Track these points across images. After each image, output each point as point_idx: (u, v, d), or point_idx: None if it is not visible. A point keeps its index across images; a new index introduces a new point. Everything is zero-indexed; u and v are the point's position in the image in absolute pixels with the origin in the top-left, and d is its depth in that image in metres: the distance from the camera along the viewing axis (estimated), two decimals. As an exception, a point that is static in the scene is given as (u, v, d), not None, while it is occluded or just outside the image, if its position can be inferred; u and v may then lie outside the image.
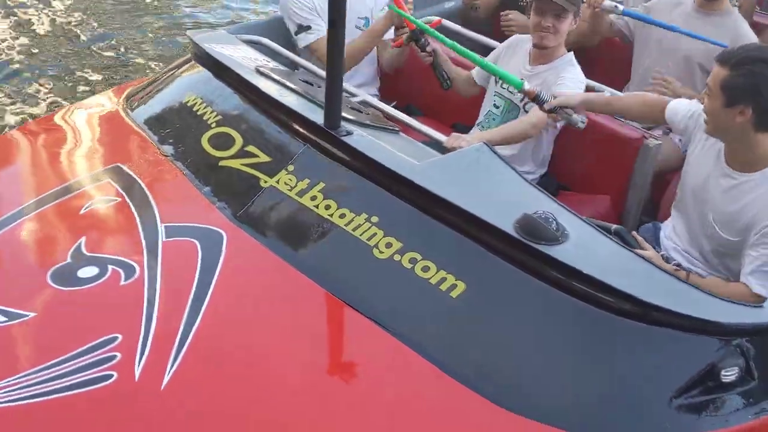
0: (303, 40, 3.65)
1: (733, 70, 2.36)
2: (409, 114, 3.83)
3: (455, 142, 2.83)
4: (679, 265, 2.68)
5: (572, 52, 3.33)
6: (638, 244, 2.60)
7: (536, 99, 2.89)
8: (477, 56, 3.10)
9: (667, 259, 2.71)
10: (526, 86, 2.89)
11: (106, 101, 3.45)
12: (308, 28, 3.66)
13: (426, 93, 3.80)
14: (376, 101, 3.29)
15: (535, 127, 3.14)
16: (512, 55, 3.43)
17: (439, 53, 3.39)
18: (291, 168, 2.59)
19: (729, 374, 2.09)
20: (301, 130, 2.66)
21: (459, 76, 3.49)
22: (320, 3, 3.57)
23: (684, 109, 2.73)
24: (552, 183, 3.33)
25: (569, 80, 3.20)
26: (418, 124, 3.06)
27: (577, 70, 3.28)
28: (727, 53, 2.44)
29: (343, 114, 2.60)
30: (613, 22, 3.80)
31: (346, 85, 3.41)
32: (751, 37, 3.48)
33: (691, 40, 3.50)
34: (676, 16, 3.63)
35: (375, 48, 3.78)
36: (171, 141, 2.91)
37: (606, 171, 3.24)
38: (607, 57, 4.06)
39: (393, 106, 3.85)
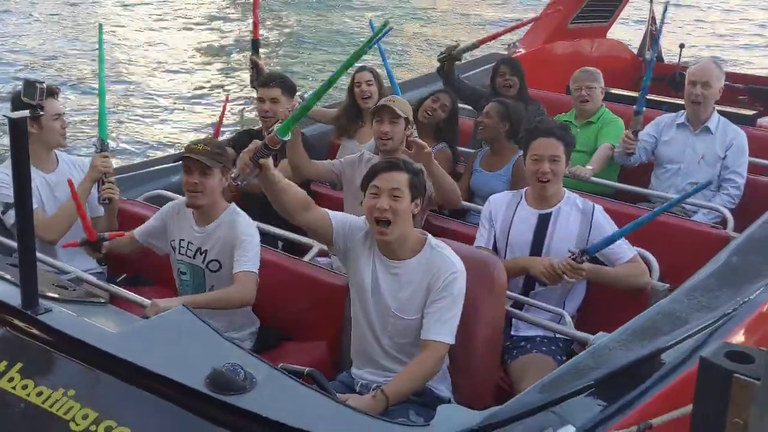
0: (9, 217, 3.63)
1: (411, 173, 2.96)
2: (137, 284, 3.88)
3: (153, 310, 2.95)
4: (377, 386, 2.90)
5: (234, 203, 3.47)
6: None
7: None
8: None
9: (366, 387, 2.96)
10: None
11: None
12: (14, 205, 3.65)
13: (154, 264, 3.90)
14: (87, 276, 3.34)
15: (240, 293, 3.25)
16: (179, 219, 3.49)
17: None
18: (-11, 352, 2.57)
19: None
20: (-2, 313, 2.66)
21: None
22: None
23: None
24: (272, 335, 3.49)
25: (245, 232, 3.33)
26: (125, 293, 3.14)
27: (246, 218, 3.41)
28: (404, 165, 2.99)
29: (47, 293, 2.66)
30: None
31: (58, 263, 3.45)
32: None
33: None
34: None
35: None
36: None
37: (320, 317, 3.45)
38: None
39: (121, 280, 3.90)
